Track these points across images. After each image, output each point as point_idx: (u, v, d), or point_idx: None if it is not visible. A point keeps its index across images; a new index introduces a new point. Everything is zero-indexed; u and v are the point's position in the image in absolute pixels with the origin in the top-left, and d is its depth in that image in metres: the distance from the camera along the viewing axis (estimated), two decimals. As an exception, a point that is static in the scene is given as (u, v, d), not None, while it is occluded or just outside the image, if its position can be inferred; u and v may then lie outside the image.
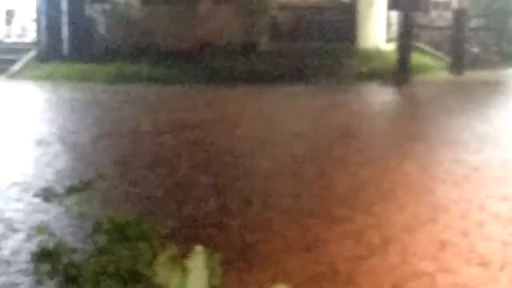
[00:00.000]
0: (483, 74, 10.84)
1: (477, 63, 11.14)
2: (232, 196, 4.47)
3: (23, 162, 5.42)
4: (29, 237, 3.31)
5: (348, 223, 3.77)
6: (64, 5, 11.32)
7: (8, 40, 12.77)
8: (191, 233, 3.51)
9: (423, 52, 11.35)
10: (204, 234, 3.60)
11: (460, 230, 3.64)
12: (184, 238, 2.85)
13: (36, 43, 11.66)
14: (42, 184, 4.31)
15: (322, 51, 10.67)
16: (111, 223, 2.09)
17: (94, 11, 11.47)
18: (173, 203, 4.28)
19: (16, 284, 2.91)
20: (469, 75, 10.73)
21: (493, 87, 10.16)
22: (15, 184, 4.56)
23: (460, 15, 10.89)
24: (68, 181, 4.05)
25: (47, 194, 2.43)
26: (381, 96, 10.07)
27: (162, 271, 1.85)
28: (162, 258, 1.84)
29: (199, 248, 1.89)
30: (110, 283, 1.94)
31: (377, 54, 11.14)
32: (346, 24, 11.24)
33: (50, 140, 6.16)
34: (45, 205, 3.11)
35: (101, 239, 2.10)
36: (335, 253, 3.34)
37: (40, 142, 5.95)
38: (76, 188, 2.27)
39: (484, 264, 3.17)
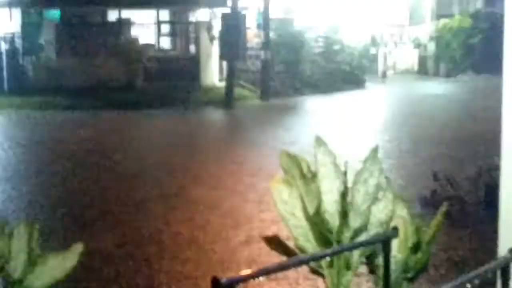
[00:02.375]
0: (281, 101, 17.08)
1: (277, 94, 17.42)
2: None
3: None
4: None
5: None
6: (3, 57, 16.91)
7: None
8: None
9: (243, 87, 17.53)
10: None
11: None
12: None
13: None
14: None
15: (177, 87, 16.71)
16: None
17: (25, 61, 17.11)
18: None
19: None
20: (273, 101, 16.91)
21: (285, 109, 16.38)
22: None
23: (265, 63, 17.16)
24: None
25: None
26: (212, 115, 16.09)
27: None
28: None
29: (22, 221, 2.80)
30: None
31: (213, 88, 17.29)
32: (193, 69, 17.45)
33: None
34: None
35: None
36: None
37: None
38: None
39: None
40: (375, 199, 3.07)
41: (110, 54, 17.31)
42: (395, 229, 2.89)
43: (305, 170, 3.13)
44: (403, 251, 3.01)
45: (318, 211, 3.01)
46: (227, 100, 16.21)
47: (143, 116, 14.98)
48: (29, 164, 9.99)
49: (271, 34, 17.72)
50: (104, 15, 18.88)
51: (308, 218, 3.04)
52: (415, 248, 3.05)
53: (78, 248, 3.05)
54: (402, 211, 3.08)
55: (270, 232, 4.69)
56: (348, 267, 3.03)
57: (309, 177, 3.11)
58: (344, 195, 3.05)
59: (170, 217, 6.76)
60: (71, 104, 15.69)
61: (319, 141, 3.11)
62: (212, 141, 12.54)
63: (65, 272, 3.00)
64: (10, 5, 17.45)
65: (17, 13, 17.90)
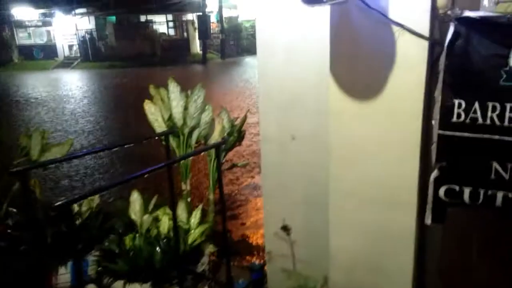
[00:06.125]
0: (231, 59, 32.95)
1: (229, 55, 33.49)
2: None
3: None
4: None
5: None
6: (88, 41, 32.92)
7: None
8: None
9: (211, 52, 33.70)
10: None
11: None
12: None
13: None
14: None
15: (178, 54, 32.77)
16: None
17: (99, 43, 33.22)
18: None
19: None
20: (227, 59, 32.80)
21: (233, 62, 32.42)
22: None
23: (222, 40, 33.13)
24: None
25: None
26: (196, 67, 31.81)
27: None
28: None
29: (37, 128, 4.32)
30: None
31: (196, 54, 33.52)
32: (186, 44, 33.79)
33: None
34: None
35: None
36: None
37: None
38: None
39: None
40: (202, 110, 4.47)
41: (142, 38, 33.37)
42: (209, 123, 4.56)
43: (163, 95, 4.56)
44: (221, 135, 4.58)
45: (170, 117, 4.51)
46: (203, 59, 31.88)
47: (160, 70, 30.27)
48: (104, 91, 25.63)
49: (225, 25, 33.90)
50: (139, 18, 34.95)
51: (165, 121, 4.51)
52: (230, 133, 4.67)
53: (70, 141, 4.42)
54: (224, 116, 4.72)
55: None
56: (189, 146, 4.58)
57: (165, 100, 4.53)
58: (185, 108, 4.43)
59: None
60: (123, 64, 30.92)
61: (171, 80, 4.55)
62: (196, 76, 27.90)
63: (62, 154, 4.25)
64: (88, 14, 33.46)
65: (92, 18, 33.91)
